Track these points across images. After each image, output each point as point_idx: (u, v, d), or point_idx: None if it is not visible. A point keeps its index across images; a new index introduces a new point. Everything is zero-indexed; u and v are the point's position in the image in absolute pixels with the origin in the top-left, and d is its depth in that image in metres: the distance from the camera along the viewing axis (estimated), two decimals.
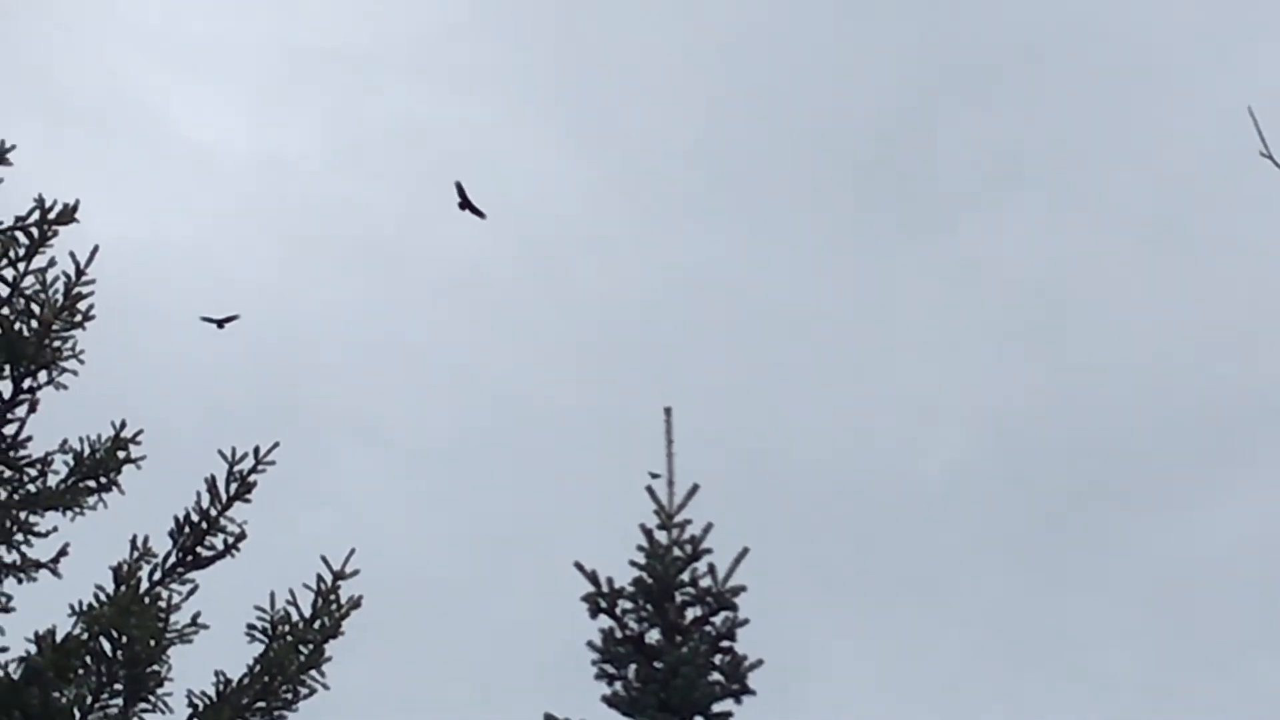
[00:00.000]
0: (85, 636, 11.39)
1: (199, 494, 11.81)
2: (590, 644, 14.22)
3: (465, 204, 17.81)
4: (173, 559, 11.77)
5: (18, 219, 11.79)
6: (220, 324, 16.60)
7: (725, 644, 14.21)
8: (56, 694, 11.46)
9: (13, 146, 11.82)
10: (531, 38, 32.08)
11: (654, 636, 14.26)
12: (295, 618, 11.84)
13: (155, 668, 11.62)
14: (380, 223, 30.29)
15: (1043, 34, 33.60)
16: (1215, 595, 28.38)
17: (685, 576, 14.35)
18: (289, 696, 11.91)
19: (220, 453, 11.86)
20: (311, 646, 11.85)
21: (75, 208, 11.79)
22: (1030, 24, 33.55)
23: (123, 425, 11.87)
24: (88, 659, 11.49)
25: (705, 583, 14.36)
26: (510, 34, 32.08)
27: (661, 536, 14.45)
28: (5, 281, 11.75)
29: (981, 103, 33.51)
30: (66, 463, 11.82)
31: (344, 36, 32.62)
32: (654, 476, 15.93)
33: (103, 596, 11.51)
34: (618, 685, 14.17)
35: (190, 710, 11.72)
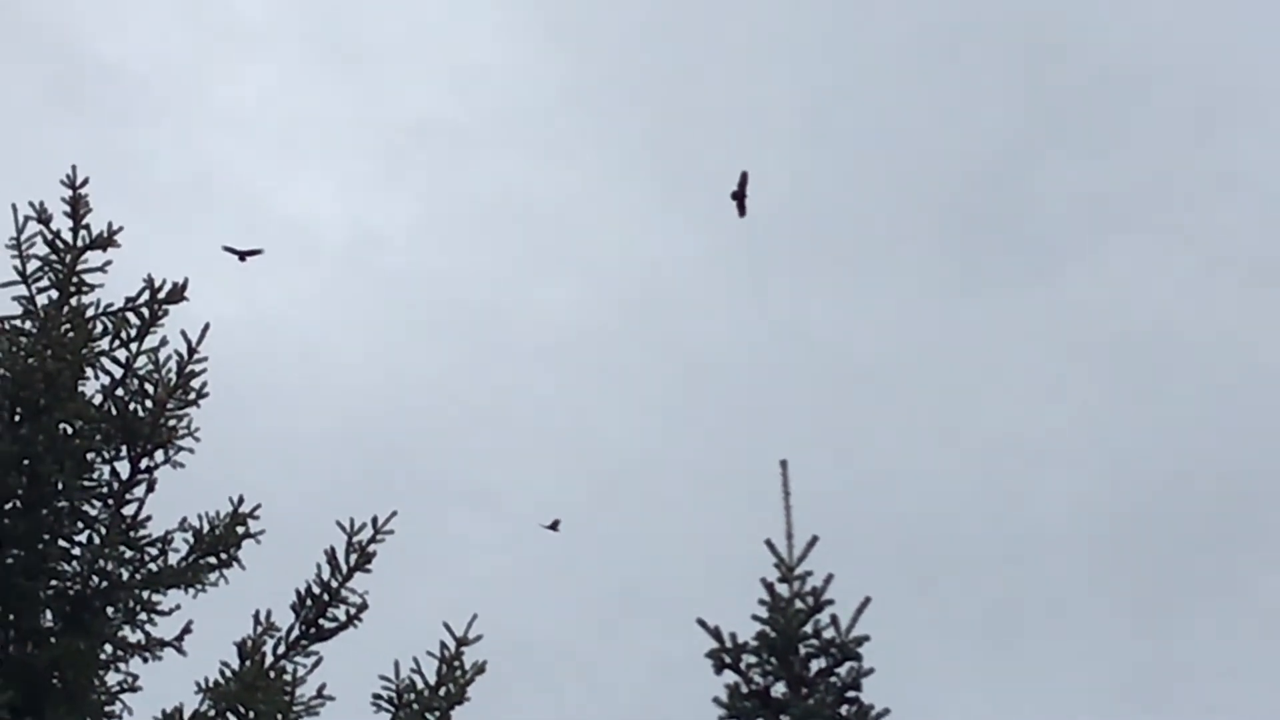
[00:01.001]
0: (213, 713, 11.42)
1: (319, 566, 11.86)
2: (716, 700, 14.17)
3: (739, 195, 17.59)
4: (296, 632, 11.80)
5: (128, 300, 11.94)
6: (242, 256, 16.67)
7: (851, 694, 14.20)
8: None
9: (120, 228, 11.99)
10: (620, 103, 32.37)
11: (779, 689, 14.24)
12: (420, 685, 11.83)
13: None
14: (479, 291, 30.54)
15: (1138, 77, 33.55)
16: None
17: (808, 628, 14.32)
18: None
19: (339, 524, 11.89)
20: (438, 714, 11.81)
21: (184, 286, 11.99)
22: (1125, 68, 33.52)
23: (240, 501, 11.93)
24: None
25: (828, 634, 14.35)
26: (599, 100, 32.40)
27: (783, 589, 14.41)
28: (118, 362, 11.87)
29: (1080, 147, 33.53)
30: (186, 540, 11.85)
31: (433, 111, 32.97)
32: (552, 527, 15.83)
33: (228, 672, 11.54)
34: None
35: None
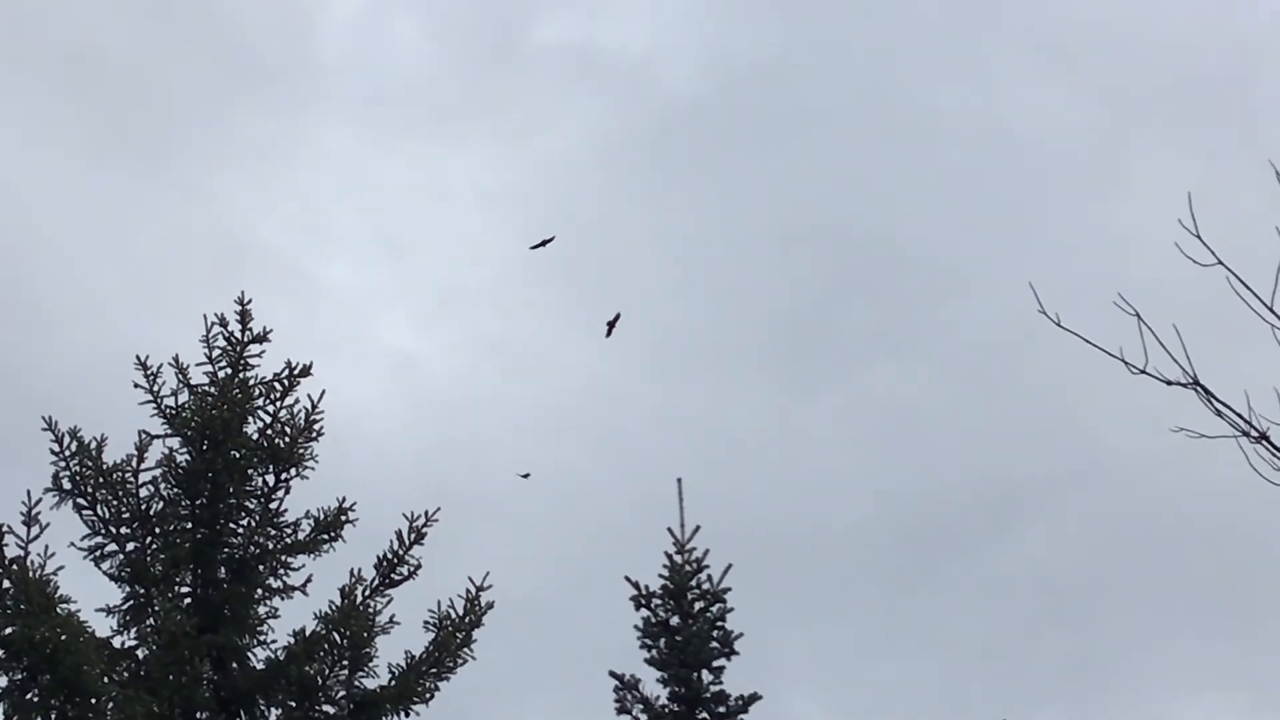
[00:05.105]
0: (323, 632, 14.24)
1: (391, 540, 14.72)
2: (636, 626, 16.13)
3: (611, 324, 18.79)
4: (376, 582, 14.58)
5: (275, 374, 15.00)
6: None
7: (720, 624, 15.95)
8: (306, 668, 14.24)
9: (272, 329, 14.98)
10: (567, 265, 38.13)
11: (675, 621, 15.98)
12: (453, 614, 14.56)
13: (367, 650, 14.32)
14: (487, 390, 36.84)
15: (904, 246, 41.58)
16: (1016, 597, 37.15)
17: (694, 582, 16.08)
18: (451, 664, 14.54)
19: (404, 514, 14.80)
20: (464, 633, 14.52)
21: (310, 366, 14.98)
22: (894, 241, 42.26)
23: (344, 500, 14.83)
24: (325, 645, 14.26)
25: (706, 586, 16.12)
26: (552, 263, 37.99)
27: (678, 558, 16.21)
28: (268, 414, 14.86)
29: (867, 294, 40.69)
30: (309, 524, 14.62)
31: (457, 279, 38.70)
32: (524, 475, 18.96)
33: (334, 607, 14.31)
34: (654, 652, 16.07)
35: (390, 675, 14.46)
